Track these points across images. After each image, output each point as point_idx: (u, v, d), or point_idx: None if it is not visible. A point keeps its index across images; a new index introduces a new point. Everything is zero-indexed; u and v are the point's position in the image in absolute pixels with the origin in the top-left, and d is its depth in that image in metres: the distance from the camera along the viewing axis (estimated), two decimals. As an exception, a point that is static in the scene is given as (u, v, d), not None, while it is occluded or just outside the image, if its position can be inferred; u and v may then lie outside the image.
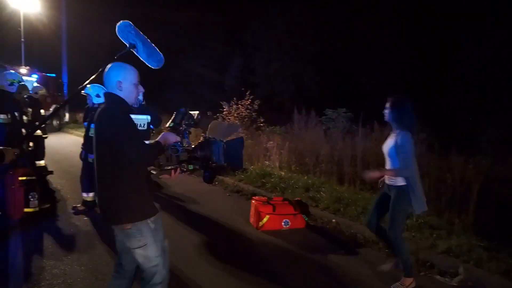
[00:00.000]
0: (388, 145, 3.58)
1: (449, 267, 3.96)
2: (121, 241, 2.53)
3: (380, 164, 7.41)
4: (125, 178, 2.32)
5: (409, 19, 21.60)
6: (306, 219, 5.25)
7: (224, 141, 2.62)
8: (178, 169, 2.48)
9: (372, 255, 4.40)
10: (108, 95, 2.48)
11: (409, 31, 21.41)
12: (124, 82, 2.44)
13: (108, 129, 2.31)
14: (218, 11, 33.52)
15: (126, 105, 2.46)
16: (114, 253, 4.12)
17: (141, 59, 3.72)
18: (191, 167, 2.50)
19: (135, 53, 3.69)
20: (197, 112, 2.82)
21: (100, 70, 3.24)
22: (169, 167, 2.47)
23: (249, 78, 27.05)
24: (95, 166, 2.40)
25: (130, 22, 3.62)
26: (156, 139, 2.47)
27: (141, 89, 2.61)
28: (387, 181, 3.64)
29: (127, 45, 3.65)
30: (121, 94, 2.44)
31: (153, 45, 3.64)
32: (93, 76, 3.29)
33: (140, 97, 5.43)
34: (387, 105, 3.55)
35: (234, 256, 4.22)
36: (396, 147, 3.42)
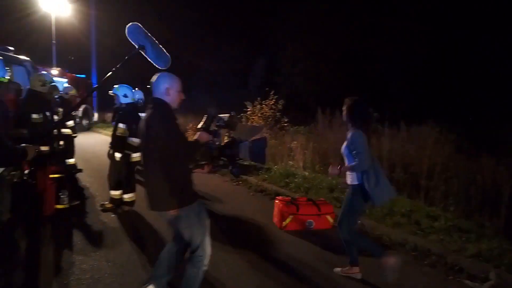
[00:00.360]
0: (343, 145, 3.80)
1: (479, 271, 3.84)
2: (172, 223, 2.91)
3: (407, 164, 7.30)
4: (173, 171, 2.68)
5: (436, 17, 21.05)
6: (331, 221, 5.18)
7: (249, 140, 2.92)
8: (211, 165, 2.84)
9: (397, 258, 4.31)
10: (156, 100, 2.83)
11: (436, 29, 20.86)
12: (171, 89, 2.83)
13: (159, 129, 2.66)
14: (241, 12, 33.70)
15: (171, 109, 2.84)
16: (140, 250, 4.22)
17: (149, 59, 3.92)
18: (221, 162, 2.83)
19: (143, 54, 3.89)
20: (228, 114, 3.10)
21: (117, 65, 3.78)
22: (203, 162, 2.86)
23: (273, 78, 27.00)
24: (144, 161, 2.77)
25: (139, 24, 3.83)
26: (194, 138, 2.88)
27: (183, 96, 2.94)
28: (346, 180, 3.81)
29: (136, 46, 3.83)
30: (167, 99, 2.82)
31: (161, 46, 3.85)
32: (109, 73, 3.78)
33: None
34: (343, 106, 3.82)
35: (257, 255, 4.22)
36: (349, 145, 3.65)
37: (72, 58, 24.50)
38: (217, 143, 2.89)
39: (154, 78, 2.89)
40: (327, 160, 8.79)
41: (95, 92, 21.66)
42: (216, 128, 3.00)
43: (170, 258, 3.08)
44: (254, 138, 3.05)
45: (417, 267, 4.09)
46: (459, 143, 7.05)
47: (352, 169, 3.66)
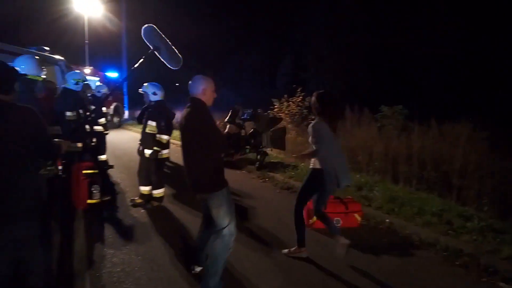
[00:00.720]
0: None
1: (514, 274, 3.70)
2: (206, 204, 3.30)
3: (438, 163, 7.10)
4: (211, 159, 3.18)
5: (468, 11, 20.27)
6: (359, 219, 5.12)
7: (270, 130, 3.31)
8: (238, 153, 3.20)
9: (428, 258, 4.22)
10: (194, 99, 3.27)
11: (467, 24, 20.10)
12: (207, 89, 3.29)
13: (199, 123, 3.15)
14: (268, 9, 33.61)
15: (207, 106, 3.28)
16: (169, 244, 4.30)
17: (163, 60, 4.11)
18: (247, 150, 3.19)
19: (157, 55, 4.08)
20: (251, 110, 3.45)
21: (140, 60, 4.09)
22: (231, 151, 3.23)
23: (300, 75, 26.81)
24: (184, 151, 3.28)
25: (154, 26, 4.03)
26: (225, 131, 3.42)
27: (215, 95, 3.38)
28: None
29: (151, 47, 4.03)
30: (203, 98, 3.27)
31: (174, 48, 4.06)
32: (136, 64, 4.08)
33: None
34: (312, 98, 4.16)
35: (283, 252, 4.22)
36: (309, 133, 4.01)
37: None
38: (242, 134, 3.27)
39: (192, 80, 3.33)
40: (356, 158, 8.67)
41: (125, 89, 22.34)
42: (240, 121, 3.39)
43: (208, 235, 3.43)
44: (274, 128, 3.33)
45: (449, 268, 3.98)
46: (493, 141, 6.78)
47: (311, 154, 4.05)
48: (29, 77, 3.93)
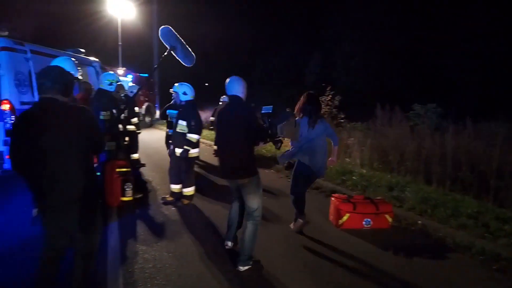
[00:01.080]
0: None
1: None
2: (239, 188, 3.85)
3: (474, 163, 6.84)
4: (250, 148, 3.74)
5: (505, 5, 19.37)
6: (390, 220, 5.01)
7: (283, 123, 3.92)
8: (261, 142, 3.77)
9: (463, 262, 4.09)
10: (234, 97, 3.78)
11: (504, 19, 19.22)
12: (244, 88, 3.83)
13: (244, 117, 3.68)
14: (297, 6, 33.42)
15: (245, 103, 3.83)
16: (199, 242, 4.37)
17: (178, 58, 4.51)
18: (268, 140, 3.69)
19: (173, 54, 4.45)
20: (271, 106, 3.85)
21: (163, 55, 4.51)
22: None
23: (330, 74, 26.48)
24: (225, 142, 3.83)
25: (171, 27, 4.42)
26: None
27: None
28: None
29: (168, 47, 4.40)
30: (242, 96, 3.80)
31: (188, 47, 4.47)
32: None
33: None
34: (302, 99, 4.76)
35: (312, 253, 4.20)
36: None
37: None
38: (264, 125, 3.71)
39: (230, 80, 3.82)
40: (386, 158, 8.50)
41: (156, 89, 22.86)
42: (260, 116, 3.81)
43: (237, 214, 4.15)
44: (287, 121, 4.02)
45: (485, 272, 3.84)
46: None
47: (292, 145, 4.80)
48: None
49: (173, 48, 4.39)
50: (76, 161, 2.64)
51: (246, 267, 3.69)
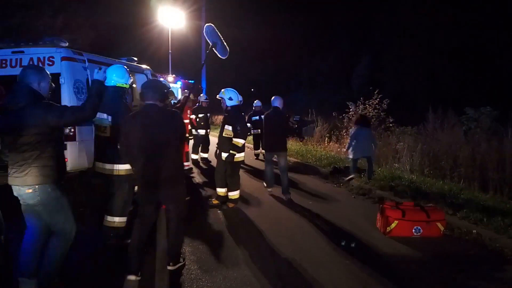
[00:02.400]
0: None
1: None
2: (277, 158, 6.74)
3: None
4: (286, 136, 7.11)
5: None
6: (442, 229, 4.79)
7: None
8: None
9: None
10: (277, 108, 6.69)
11: None
12: (282, 103, 6.78)
13: (285, 119, 6.93)
14: (345, 8, 32.92)
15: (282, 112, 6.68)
16: (243, 245, 4.41)
17: (217, 53, 5.33)
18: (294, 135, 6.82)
19: (214, 50, 5.26)
20: (298, 116, 4.63)
21: (207, 51, 5.57)
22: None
23: (378, 77, 25.81)
24: (273, 132, 6.69)
25: (213, 26, 5.24)
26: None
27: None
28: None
29: (211, 43, 5.21)
30: (280, 107, 6.78)
31: (225, 43, 5.34)
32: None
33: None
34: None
35: (359, 260, 4.09)
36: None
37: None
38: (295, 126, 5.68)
39: (275, 97, 6.80)
40: (438, 163, 8.15)
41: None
42: (293, 121, 5.13)
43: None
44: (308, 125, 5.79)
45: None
46: None
47: None
48: (118, 85, 4.29)
49: (214, 44, 5.08)
50: (171, 150, 3.47)
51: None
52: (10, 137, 2.92)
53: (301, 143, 12.63)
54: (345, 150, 8.51)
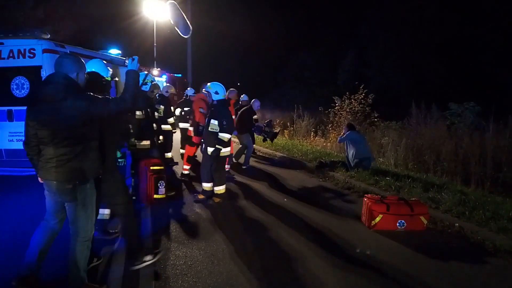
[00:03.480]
0: None
1: None
2: None
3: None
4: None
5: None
6: (425, 222, 4.86)
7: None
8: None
9: (504, 266, 3.90)
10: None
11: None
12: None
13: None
14: (332, 4, 33.03)
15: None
16: (229, 240, 4.40)
17: (178, 31, 4.88)
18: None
19: (176, 28, 4.84)
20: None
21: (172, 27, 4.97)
22: None
23: (363, 72, 25.98)
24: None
25: (175, 3, 4.80)
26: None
27: None
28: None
29: (172, 21, 4.77)
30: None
31: (187, 21, 4.87)
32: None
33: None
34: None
35: (344, 254, 4.13)
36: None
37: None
38: None
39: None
40: (422, 158, 8.26)
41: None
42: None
43: None
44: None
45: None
46: None
47: None
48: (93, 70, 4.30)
49: (176, 23, 4.75)
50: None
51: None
52: (47, 130, 2.79)
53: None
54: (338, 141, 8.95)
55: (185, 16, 4.88)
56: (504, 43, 20.15)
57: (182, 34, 4.95)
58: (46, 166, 2.85)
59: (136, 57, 3.29)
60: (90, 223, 3.07)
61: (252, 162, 9.49)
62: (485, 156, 6.91)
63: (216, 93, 5.83)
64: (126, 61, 7.84)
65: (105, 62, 4.36)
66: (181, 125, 9.14)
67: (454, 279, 3.61)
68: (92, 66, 4.23)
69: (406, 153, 8.68)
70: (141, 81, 6.09)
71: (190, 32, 5.04)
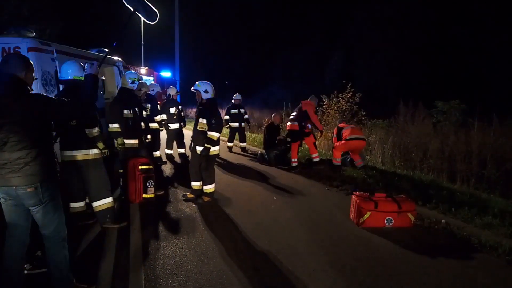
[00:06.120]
0: None
1: None
2: None
3: (500, 161, 6.66)
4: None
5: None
6: (412, 219, 4.92)
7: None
8: None
9: (489, 262, 3.97)
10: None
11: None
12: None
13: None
14: (319, 3, 33.16)
15: None
16: (219, 239, 4.40)
17: (142, 17, 4.44)
18: None
19: (138, 14, 4.33)
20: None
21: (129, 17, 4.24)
22: None
23: (350, 71, 26.17)
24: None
25: None
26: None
27: None
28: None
29: (132, 9, 4.22)
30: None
31: (150, 5, 4.40)
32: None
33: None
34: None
35: (333, 252, 4.16)
36: None
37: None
38: None
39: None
40: (409, 155, 8.36)
41: (178, 88, 23.23)
42: None
43: None
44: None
45: (512, 273, 3.73)
46: None
47: None
48: (74, 78, 4.36)
49: (135, 8, 4.29)
50: None
51: None
52: None
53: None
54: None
55: (146, 1, 4.49)
56: (488, 42, 20.50)
57: (147, 20, 4.57)
58: (1, 172, 2.69)
59: (95, 62, 3.29)
60: (61, 223, 2.99)
61: (241, 160, 9.49)
62: (470, 153, 7.02)
63: (206, 91, 5.80)
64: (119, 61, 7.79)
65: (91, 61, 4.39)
66: (172, 125, 9.01)
67: (440, 274, 3.67)
68: (68, 68, 4.42)
69: (393, 151, 8.77)
70: (130, 80, 6.07)
71: (157, 18, 4.63)
